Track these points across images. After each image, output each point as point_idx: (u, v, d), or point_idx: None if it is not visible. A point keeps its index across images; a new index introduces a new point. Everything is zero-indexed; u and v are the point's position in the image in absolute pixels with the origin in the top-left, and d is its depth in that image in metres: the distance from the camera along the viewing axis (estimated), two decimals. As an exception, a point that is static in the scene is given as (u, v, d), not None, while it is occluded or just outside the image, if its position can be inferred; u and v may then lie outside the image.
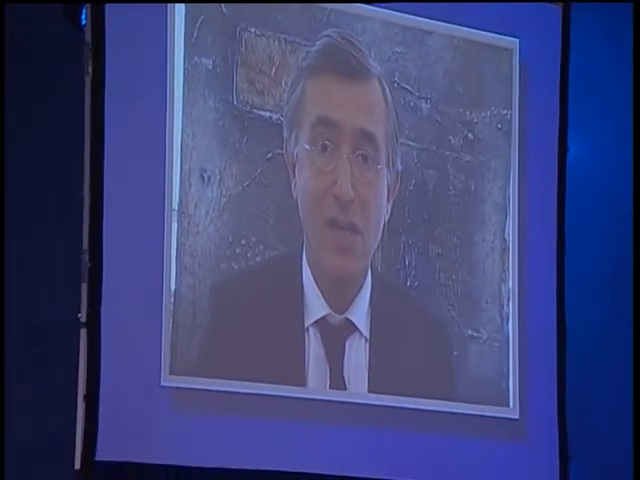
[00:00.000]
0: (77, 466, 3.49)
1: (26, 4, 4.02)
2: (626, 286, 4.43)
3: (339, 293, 3.91)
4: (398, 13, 4.12)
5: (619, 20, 4.56)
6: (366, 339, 3.93)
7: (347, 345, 3.88)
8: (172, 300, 3.57)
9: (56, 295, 3.86)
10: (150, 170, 3.61)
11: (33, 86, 4.12)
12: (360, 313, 3.93)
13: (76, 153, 3.62)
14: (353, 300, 3.92)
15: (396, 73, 4.09)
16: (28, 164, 4.06)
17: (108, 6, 3.56)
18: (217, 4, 3.76)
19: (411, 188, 4.07)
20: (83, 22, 3.78)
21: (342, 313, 3.86)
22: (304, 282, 3.85)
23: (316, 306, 3.86)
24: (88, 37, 3.60)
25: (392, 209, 4.05)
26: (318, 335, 3.86)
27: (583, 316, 4.41)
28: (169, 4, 3.68)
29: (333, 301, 3.86)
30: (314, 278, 3.86)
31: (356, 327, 3.91)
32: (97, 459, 3.46)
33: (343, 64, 3.99)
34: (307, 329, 3.82)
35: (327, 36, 3.96)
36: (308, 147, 3.87)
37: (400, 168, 4.07)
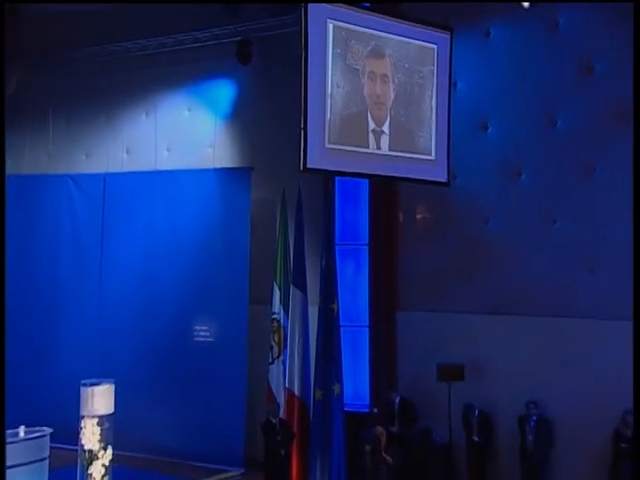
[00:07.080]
0: (301, 168, 9.27)
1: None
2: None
3: (379, 121, 10.02)
4: (396, 36, 9.86)
5: (474, 34, 10.57)
6: (388, 137, 9.97)
7: (381, 138, 10.00)
8: (328, 122, 9.60)
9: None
10: (321, 86, 9.51)
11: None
12: (386, 127, 10.08)
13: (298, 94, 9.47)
14: (383, 124, 10.04)
15: (396, 55, 10.17)
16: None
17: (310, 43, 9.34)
18: (340, 37, 9.67)
19: (401, 91, 10.19)
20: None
21: (380, 127, 10.03)
22: (368, 117, 9.88)
23: (372, 124, 9.95)
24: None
25: (393, 98, 10.05)
26: (373, 135, 9.86)
27: (455, 128, 10.32)
28: (328, 39, 9.52)
29: (377, 122, 10.00)
30: (371, 116, 9.91)
31: (384, 132, 10.05)
32: (307, 166, 9.36)
33: (379, 52, 10.03)
34: (369, 132, 9.93)
35: (374, 43, 10.02)
36: (366, 79, 9.97)
37: (397, 83, 10.08)
